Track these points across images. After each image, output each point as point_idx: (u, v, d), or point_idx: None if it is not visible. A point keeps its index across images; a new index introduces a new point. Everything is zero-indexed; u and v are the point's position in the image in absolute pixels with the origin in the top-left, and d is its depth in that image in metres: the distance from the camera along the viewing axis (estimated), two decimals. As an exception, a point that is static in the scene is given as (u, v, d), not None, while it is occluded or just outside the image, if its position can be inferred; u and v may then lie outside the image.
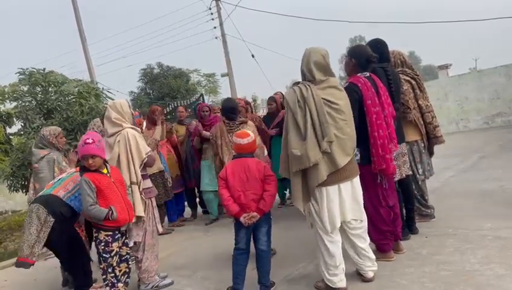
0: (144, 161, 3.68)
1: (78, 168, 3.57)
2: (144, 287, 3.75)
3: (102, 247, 3.28)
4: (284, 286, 3.31)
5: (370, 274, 3.05)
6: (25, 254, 3.41)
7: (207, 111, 5.90)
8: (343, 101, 2.96)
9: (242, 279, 3.16)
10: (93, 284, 4.09)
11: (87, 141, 3.27)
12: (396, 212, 3.37)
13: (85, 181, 3.21)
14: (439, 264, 3.12)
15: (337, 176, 2.89)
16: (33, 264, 3.44)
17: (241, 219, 3.10)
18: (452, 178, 6.13)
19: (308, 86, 2.93)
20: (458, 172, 6.48)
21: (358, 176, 3.03)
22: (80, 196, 3.39)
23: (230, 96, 18.60)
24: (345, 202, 2.94)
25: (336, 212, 2.90)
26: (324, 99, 2.88)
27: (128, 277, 3.43)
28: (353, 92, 3.16)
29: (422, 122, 4.01)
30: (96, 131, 4.56)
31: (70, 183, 3.61)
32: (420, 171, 4.04)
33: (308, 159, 2.80)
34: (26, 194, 9.06)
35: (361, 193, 3.06)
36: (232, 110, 4.37)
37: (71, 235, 3.55)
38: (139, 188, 3.61)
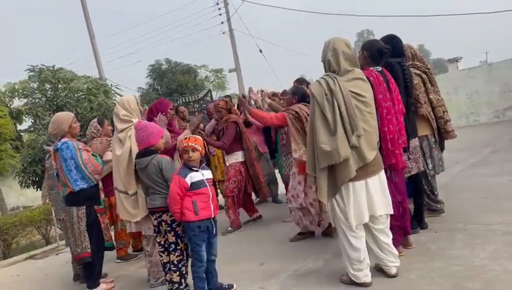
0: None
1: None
2: (153, 281, 3.78)
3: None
4: (293, 281, 3.33)
5: (394, 270, 2.98)
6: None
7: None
8: (369, 93, 2.92)
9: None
10: (104, 279, 4.14)
11: None
12: (405, 207, 3.35)
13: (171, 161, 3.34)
14: (448, 259, 3.10)
15: (364, 171, 2.84)
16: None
17: None
18: (462, 172, 6.08)
19: (334, 78, 2.86)
20: (468, 166, 6.43)
21: (383, 170, 2.98)
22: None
23: (238, 92, 18.63)
24: (373, 197, 2.88)
25: (363, 207, 2.85)
26: (351, 92, 2.83)
27: None
28: None
29: (433, 117, 3.97)
30: (93, 131, 4.62)
31: None
32: (430, 166, 4.00)
33: (339, 154, 2.74)
34: (37, 190, 9.21)
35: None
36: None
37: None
38: None
